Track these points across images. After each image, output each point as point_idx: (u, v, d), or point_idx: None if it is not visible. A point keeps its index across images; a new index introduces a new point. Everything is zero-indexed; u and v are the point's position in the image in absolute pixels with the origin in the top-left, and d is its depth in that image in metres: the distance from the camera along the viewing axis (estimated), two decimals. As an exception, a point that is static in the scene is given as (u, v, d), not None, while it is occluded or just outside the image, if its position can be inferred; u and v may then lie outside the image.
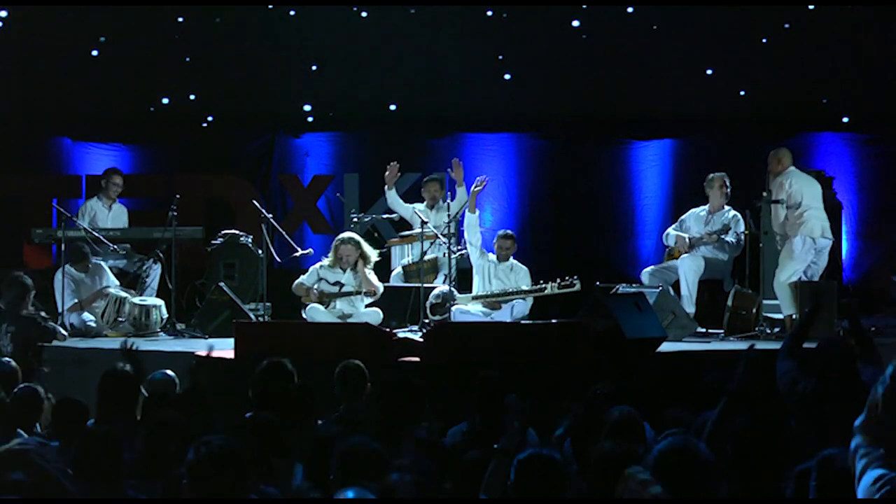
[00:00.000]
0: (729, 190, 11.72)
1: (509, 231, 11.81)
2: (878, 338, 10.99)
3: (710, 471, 4.56)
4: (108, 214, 12.78)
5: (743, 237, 11.58)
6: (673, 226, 11.95)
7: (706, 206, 11.80)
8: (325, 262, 11.34)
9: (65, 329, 11.05)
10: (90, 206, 12.77)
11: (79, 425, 6.03)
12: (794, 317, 11.09)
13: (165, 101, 14.68)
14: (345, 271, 11.21)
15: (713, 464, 4.59)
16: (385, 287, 11.70)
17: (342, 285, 11.16)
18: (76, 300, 11.55)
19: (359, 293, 11.11)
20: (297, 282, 11.35)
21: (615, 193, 14.74)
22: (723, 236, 11.55)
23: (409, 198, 13.52)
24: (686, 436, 5.04)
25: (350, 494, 4.20)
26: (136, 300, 11.58)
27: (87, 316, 11.48)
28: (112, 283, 11.73)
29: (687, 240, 11.65)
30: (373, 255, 11.32)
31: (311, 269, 11.40)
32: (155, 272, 12.19)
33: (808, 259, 11.38)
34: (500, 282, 11.51)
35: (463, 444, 6.34)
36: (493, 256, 11.61)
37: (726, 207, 11.73)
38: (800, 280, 11.18)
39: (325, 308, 11.09)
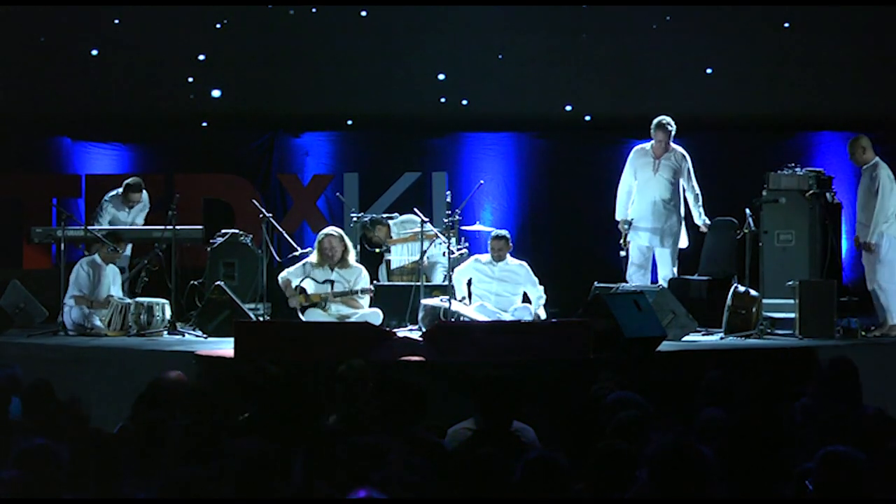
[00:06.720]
0: None
1: (502, 231, 11.70)
2: (878, 337, 11.02)
3: (709, 470, 4.54)
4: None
5: None
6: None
7: None
8: (313, 259, 11.26)
9: (66, 324, 11.10)
10: (110, 212, 12.80)
11: (78, 425, 6.03)
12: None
13: (165, 100, 14.66)
14: (332, 269, 11.16)
15: (711, 463, 4.57)
16: (385, 286, 11.68)
17: (332, 283, 11.09)
18: (82, 293, 11.43)
19: (355, 293, 11.03)
20: (283, 276, 11.24)
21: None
22: None
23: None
24: (683, 435, 5.03)
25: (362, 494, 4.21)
26: (144, 301, 11.46)
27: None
28: (115, 283, 11.62)
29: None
30: (352, 250, 11.26)
31: (298, 264, 11.35)
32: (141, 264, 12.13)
33: None
34: (502, 282, 11.45)
35: (465, 444, 6.33)
36: (487, 258, 11.54)
37: None
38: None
39: (324, 311, 11.03)
